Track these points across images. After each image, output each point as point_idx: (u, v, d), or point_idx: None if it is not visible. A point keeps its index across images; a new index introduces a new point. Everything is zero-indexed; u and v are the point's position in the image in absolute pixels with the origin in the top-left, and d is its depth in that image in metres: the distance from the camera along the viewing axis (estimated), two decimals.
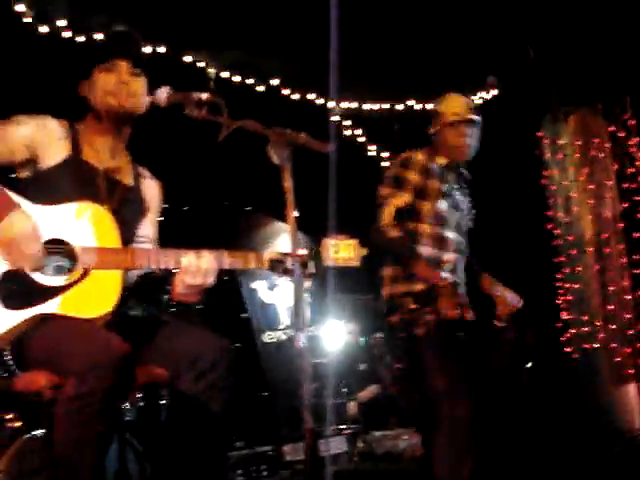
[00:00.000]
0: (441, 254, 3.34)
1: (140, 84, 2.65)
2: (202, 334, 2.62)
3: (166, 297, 2.66)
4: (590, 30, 5.77)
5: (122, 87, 2.60)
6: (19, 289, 2.36)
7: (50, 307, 2.38)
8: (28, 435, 3.00)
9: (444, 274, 3.28)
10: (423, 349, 3.27)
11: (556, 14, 5.70)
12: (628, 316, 6.21)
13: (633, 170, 6.47)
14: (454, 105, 3.47)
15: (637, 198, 6.43)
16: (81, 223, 2.48)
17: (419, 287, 3.28)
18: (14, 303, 2.35)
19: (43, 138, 2.54)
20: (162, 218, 2.90)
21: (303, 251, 2.49)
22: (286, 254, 2.57)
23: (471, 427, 3.13)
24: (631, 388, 6.10)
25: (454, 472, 3.14)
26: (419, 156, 3.41)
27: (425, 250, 3.33)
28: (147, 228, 2.79)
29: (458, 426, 3.15)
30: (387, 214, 3.28)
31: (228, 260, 2.53)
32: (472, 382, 3.22)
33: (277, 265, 2.57)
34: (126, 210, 2.64)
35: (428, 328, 3.25)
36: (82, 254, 2.41)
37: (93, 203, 2.52)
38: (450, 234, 3.37)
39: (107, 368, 2.22)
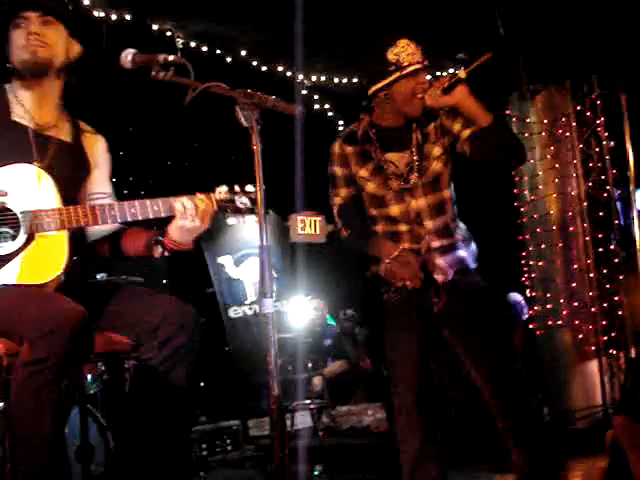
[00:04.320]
0: (395, 228, 3.25)
1: (53, 32, 2.58)
2: (164, 299, 2.58)
3: (160, 250, 2.59)
4: (559, 8, 5.77)
5: (32, 39, 2.53)
6: None
7: None
8: None
9: (404, 245, 3.19)
10: (384, 324, 3.29)
11: None
12: (591, 294, 6.27)
13: (598, 149, 6.52)
14: (410, 51, 3.18)
15: (602, 177, 6.48)
16: (18, 185, 2.42)
17: (380, 267, 3.22)
18: None
19: None
20: (126, 191, 2.85)
21: (251, 188, 2.46)
22: (235, 191, 2.52)
23: (413, 409, 3.14)
24: (593, 365, 6.18)
25: (402, 451, 3.16)
26: (335, 147, 3.31)
27: (378, 228, 3.28)
28: (100, 185, 2.72)
29: (401, 406, 3.17)
30: (335, 216, 3.26)
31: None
32: (423, 357, 3.18)
33: (226, 205, 2.52)
34: (64, 167, 2.56)
35: (388, 301, 3.23)
36: (27, 219, 2.37)
37: (25, 163, 2.45)
38: (395, 208, 3.23)
39: (62, 332, 2.19)
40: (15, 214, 2.38)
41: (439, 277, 3.19)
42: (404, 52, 3.16)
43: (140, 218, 2.47)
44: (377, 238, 3.24)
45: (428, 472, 3.08)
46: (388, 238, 3.22)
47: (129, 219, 2.47)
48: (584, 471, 3.98)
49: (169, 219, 2.51)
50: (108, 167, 2.78)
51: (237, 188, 2.52)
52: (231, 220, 2.60)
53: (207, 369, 6.88)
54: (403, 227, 3.22)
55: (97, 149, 2.75)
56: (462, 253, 3.27)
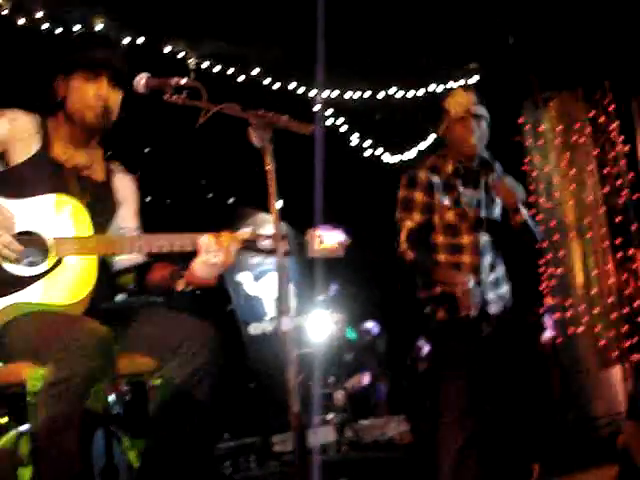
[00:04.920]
0: (458, 259, 3.48)
1: (117, 98, 2.65)
2: (188, 319, 2.61)
3: (180, 287, 2.62)
4: (570, 15, 5.77)
5: (100, 103, 2.59)
6: None
7: (23, 296, 2.38)
8: (14, 431, 2.98)
9: (464, 277, 3.39)
10: (438, 352, 3.61)
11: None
12: (611, 299, 6.24)
13: (614, 154, 6.50)
14: (459, 100, 3.52)
15: (618, 182, 6.46)
16: (57, 216, 2.48)
17: (438, 290, 3.46)
18: None
19: (12, 134, 2.52)
20: (141, 215, 2.89)
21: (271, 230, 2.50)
22: (257, 234, 2.58)
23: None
24: (615, 371, 6.14)
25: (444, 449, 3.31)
26: (421, 174, 3.51)
27: (441, 258, 3.48)
28: (127, 220, 2.77)
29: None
30: (402, 238, 3.48)
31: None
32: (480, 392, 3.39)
33: (250, 244, 2.57)
34: (97, 206, 2.62)
35: (441, 328, 3.48)
36: (56, 245, 2.41)
37: (70, 197, 2.51)
38: (466, 238, 3.48)
39: (85, 350, 2.21)
40: (45, 241, 2.42)
41: (491, 309, 3.47)
42: (454, 100, 3.52)
43: (165, 251, 2.50)
44: (442, 266, 3.47)
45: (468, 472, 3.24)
46: (451, 268, 3.45)
47: (154, 250, 2.51)
48: (596, 478, 3.96)
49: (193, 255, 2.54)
50: (136, 204, 2.84)
51: (259, 231, 2.59)
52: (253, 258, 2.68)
53: (229, 386, 6.89)
54: (467, 258, 3.46)
55: (127, 188, 2.81)
56: (506, 288, 3.57)
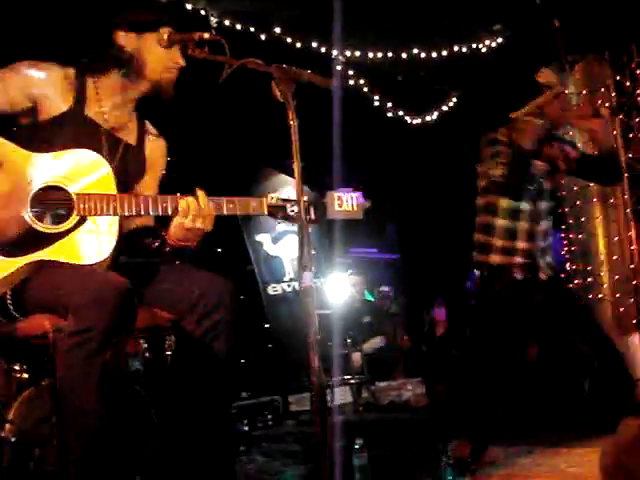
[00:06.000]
0: (512, 223, 3.63)
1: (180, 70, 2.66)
2: (205, 275, 2.63)
3: (153, 245, 2.62)
4: None
5: (177, 71, 2.61)
6: (13, 236, 2.36)
7: (47, 254, 2.39)
8: (35, 384, 3.02)
9: (520, 243, 3.61)
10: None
11: None
12: (632, 266, 6.20)
13: (639, 120, 6.41)
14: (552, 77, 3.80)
15: None
16: (85, 174, 2.46)
17: (495, 259, 3.64)
18: (11, 250, 2.36)
19: (45, 88, 2.50)
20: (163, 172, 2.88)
21: (305, 197, 2.48)
22: (286, 200, 2.58)
23: None
24: (635, 338, 6.11)
25: None
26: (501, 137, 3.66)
27: (498, 223, 3.65)
28: (148, 188, 2.76)
29: None
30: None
31: (226, 206, 2.52)
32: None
33: (277, 210, 2.57)
34: (125, 169, 2.62)
35: (497, 293, 3.66)
36: (78, 200, 2.40)
37: (99, 158, 2.49)
38: (525, 204, 3.62)
39: (106, 302, 2.22)
40: (70, 195, 2.42)
41: (542, 275, 3.65)
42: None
43: (151, 213, 2.48)
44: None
45: None
46: (505, 233, 3.62)
47: (142, 212, 2.47)
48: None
49: None
50: (161, 170, 2.84)
51: (289, 196, 2.58)
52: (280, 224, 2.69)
53: (247, 346, 6.95)
54: (524, 224, 3.61)
55: (157, 152, 2.80)
56: (550, 256, 3.74)
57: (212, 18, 5.51)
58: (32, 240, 2.37)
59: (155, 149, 2.79)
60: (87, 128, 2.56)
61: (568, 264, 6.58)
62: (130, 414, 3.31)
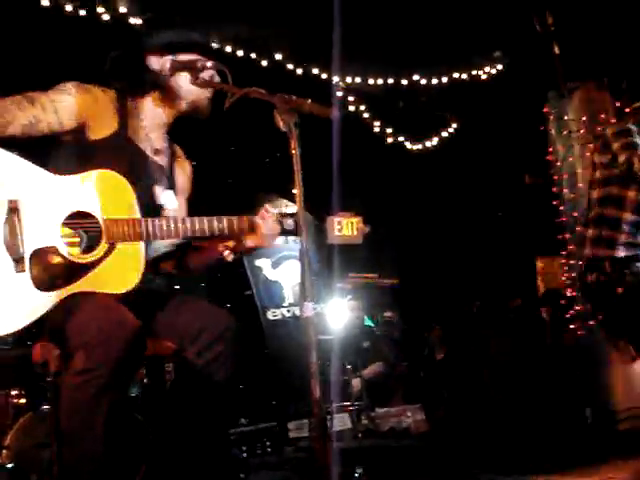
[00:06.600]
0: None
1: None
2: (208, 307, 2.64)
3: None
4: (596, 3, 5.71)
5: (212, 92, 2.63)
6: (52, 267, 2.32)
7: (78, 286, 2.35)
8: (33, 411, 3.00)
9: None
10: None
11: None
12: None
13: None
14: None
15: None
16: (106, 193, 2.44)
17: (621, 253, 3.55)
18: (44, 283, 2.31)
19: (93, 110, 2.50)
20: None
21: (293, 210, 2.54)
22: (283, 213, 2.63)
23: None
24: (636, 365, 6.08)
25: None
26: None
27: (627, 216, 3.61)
28: (180, 210, 2.76)
29: None
30: None
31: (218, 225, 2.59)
32: None
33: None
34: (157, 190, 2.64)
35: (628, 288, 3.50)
36: (108, 227, 2.39)
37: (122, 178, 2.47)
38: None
39: (117, 342, 2.21)
40: (99, 222, 2.41)
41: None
42: None
43: (217, 232, 2.56)
44: None
45: None
46: (632, 227, 3.59)
47: (206, 233, 2.54)
48: (631, 473, 3.93)
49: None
50: (189, 192, 2.87)
51: (285, 210, 2.64)
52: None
53: (246, 371, 6.90)
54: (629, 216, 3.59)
55: (184, 175, 2.83)
56: None
57: (213, 44, 5.54)
58: (62, 272, 2.34)
59: (184, 172, 2.83)
60: (133, 153, 2.57)
61: (569, 290, 6.57)
62: (127, 439, 3.30)
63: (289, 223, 2.61)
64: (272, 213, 2.60)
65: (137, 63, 2.61)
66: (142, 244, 2.47)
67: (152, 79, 2.60)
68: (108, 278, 2.39)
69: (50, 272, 2.32)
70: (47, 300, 2.30)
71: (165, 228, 2.47)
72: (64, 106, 2.46)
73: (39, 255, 2.31)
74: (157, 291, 2.67)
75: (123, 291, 2.39)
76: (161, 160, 2.68)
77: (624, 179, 3.50)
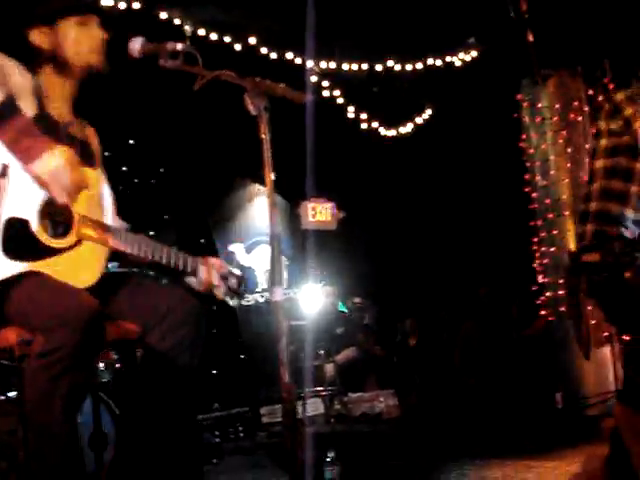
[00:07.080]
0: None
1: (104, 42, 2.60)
2: (172, 290, 2.62)
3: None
4: None
5: (101, 45, 2.55)
6: (20, 239, 2.32)
7: (41, 266, 2.35)
8: (0, 397, 2.97)
9: None
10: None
11: None
12: None
13: None
14: None
15: None
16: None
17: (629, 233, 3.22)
18: (13, 252, 2.31)
19: (20, 87, 2.42)
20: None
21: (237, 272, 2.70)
22: (226, 273, 2.67)
23: None
24: (605, 351, 6.16)
25: None
26: None
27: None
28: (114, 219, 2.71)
29: None
30: None
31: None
32: None
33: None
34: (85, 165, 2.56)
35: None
36: (80, 223, 2.39)
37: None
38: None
39: (75, 324, 2.19)
40: (73, 215, 2.40)
41: None
42: None
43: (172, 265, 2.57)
44: None
45: None
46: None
47: (163, 262, 2.55)
48: (585, 457, 3.98)
49: None
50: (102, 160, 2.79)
51: (227, 271, 2.68)
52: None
53: (219, 357, 6.90)
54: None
55: (96, 140, 2.76)
56: None
57: (186, 27, 5.49)
58: (31, 248, 2.33)
59: (94, 138, 2.75)
60: (55, 128, 2.50)
61: (540, 277, 6.62)
62: (98, 425, 3.28)
63: (232, 282, 2.66)
64: (224, 266, 2.65)
65: (17, 41, 2.56)
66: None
67: (39, 56, 2.55)
68: (68, 270, 2.38)
69: (17, 243, 2.31)
70: (10, 268, 2.30)
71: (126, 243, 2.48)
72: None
73: (11, 224, 2.31)
74: (118, 273, 2.65)
75: (81, 287, 2.38)
76: (75, 131, 2.62)
77: (634, 149, 3.28)
